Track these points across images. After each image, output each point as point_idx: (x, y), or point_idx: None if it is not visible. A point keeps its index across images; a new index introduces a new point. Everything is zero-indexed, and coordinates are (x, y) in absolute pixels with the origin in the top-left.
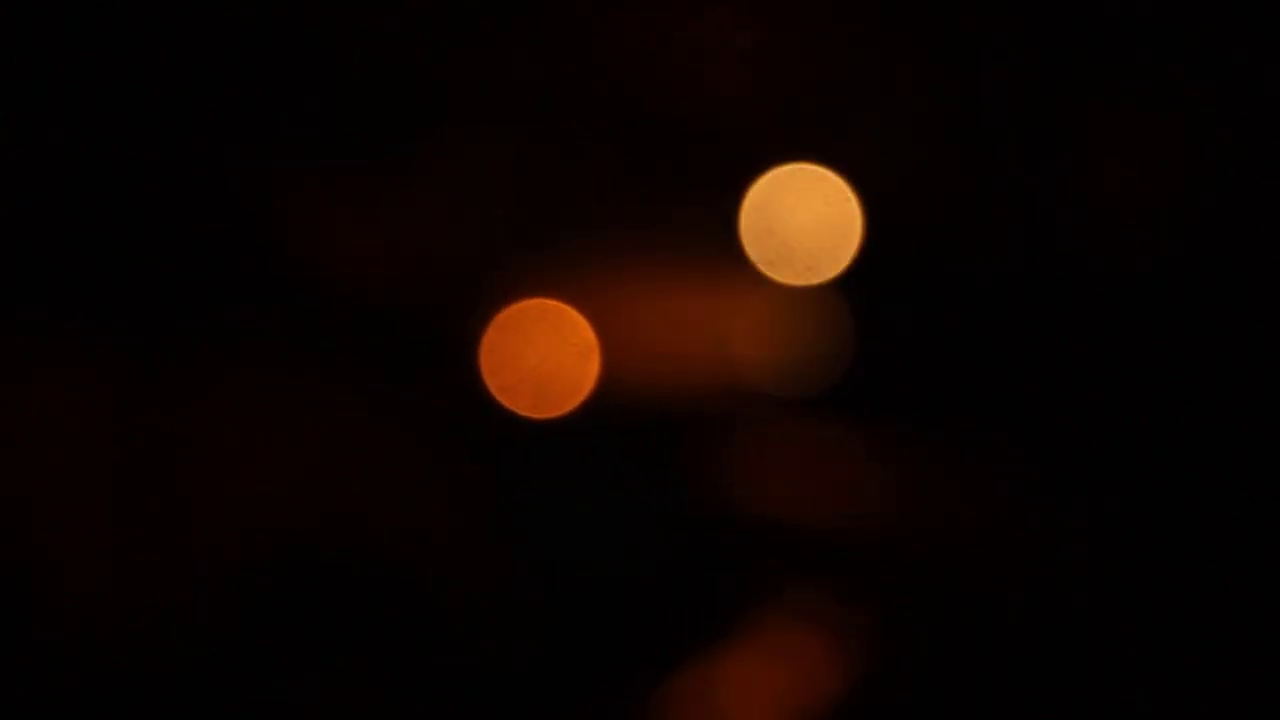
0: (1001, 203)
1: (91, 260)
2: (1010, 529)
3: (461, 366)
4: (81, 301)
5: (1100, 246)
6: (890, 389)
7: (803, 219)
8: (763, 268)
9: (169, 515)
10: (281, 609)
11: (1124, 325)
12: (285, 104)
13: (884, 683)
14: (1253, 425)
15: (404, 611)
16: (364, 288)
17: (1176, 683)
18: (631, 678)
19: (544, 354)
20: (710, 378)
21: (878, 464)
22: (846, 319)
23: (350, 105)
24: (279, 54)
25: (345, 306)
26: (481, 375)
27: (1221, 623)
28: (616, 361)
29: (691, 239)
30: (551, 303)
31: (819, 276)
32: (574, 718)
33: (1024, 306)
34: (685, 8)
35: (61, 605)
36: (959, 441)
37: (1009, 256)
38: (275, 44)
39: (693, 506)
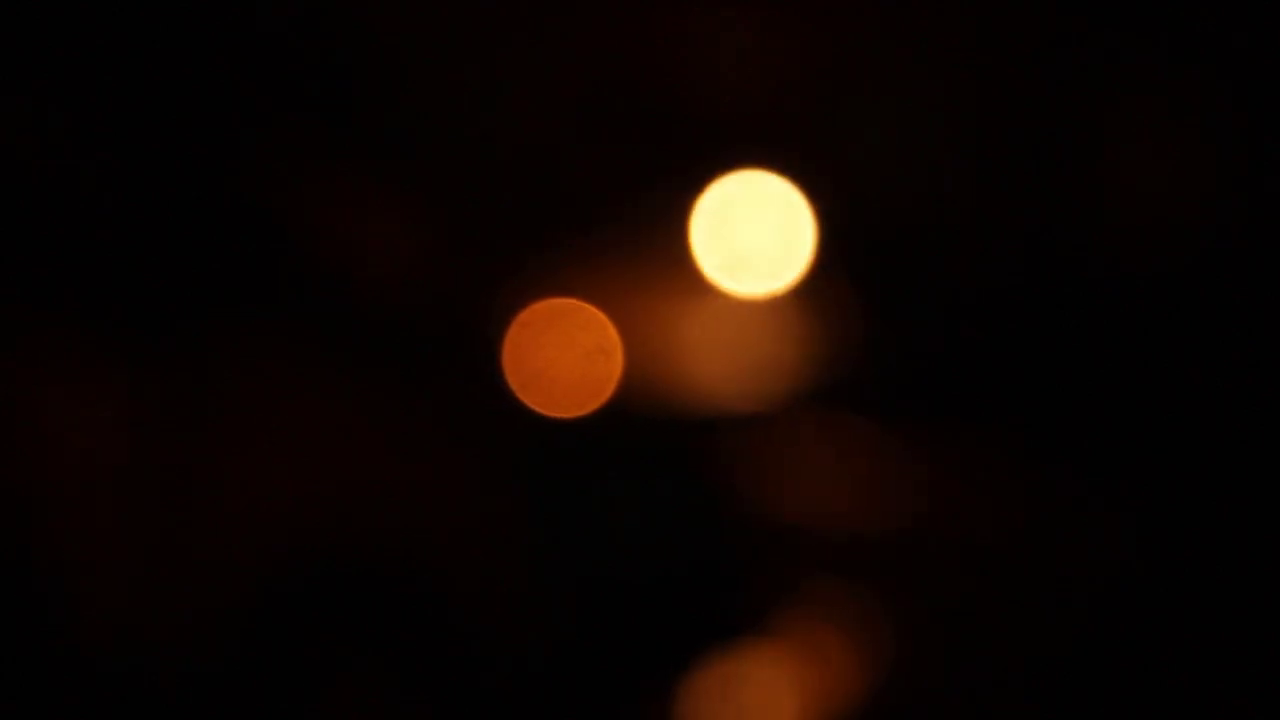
0: (1024, 204)
1: (109, 261)
2: (1038, 530)
3: (483, 365)
4: (100, 303)
5: (1121, 249)
6: (917, 389)
7: (756, 227)
8: (715, 277)
9: (185, 516)
10: (300, 610)
11: (1147, 327)
12: (304, 104)
13: (909, 682)
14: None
15: (425, 612)
16: (385, 287)
17: (1202, 684)
18: (654, 678)
19: (566, 353)
20: (734, 377)
21: (904, 464)
22: (870, 321)
23: (371, 105)
24: (297, 54)
25: (366, 306)
26: (503, 374)
27: (1244, 627)
28: (639, 361)
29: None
30: (574, 302)
31: (771, 285)
32: (598, 718)
33: (1049, 308)
34: (709, 10)
35: (76, 606)
36: (986, 441)
37: (1031, 258)
38: (295, 44)
39: (716, 506)
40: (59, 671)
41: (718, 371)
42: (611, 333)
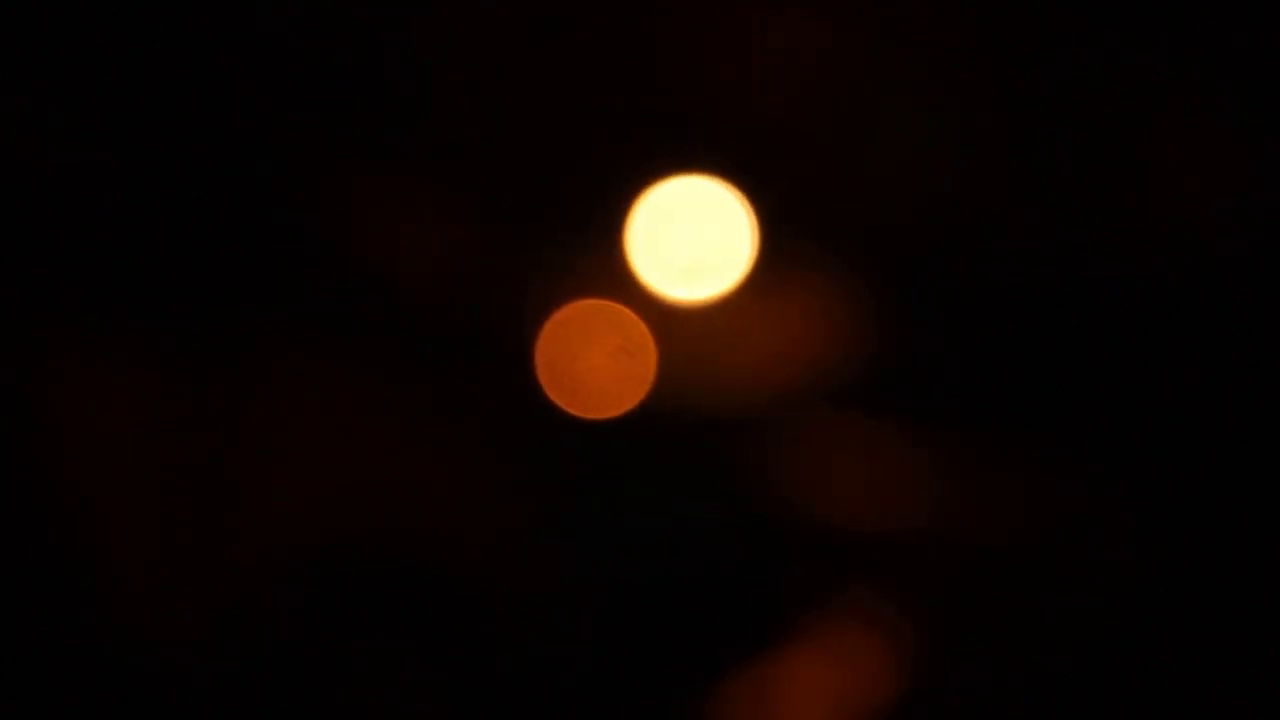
0: (1043, 205)
1: (140, 260)
2: (1066, 532)
3: (516, 367)
4: (130, 301)
5: (1142, 249)
6: (947, 392)
7: (693, 232)
8: (652, 283)
9: (215, 514)
10: (327, 609)
11: (1175, 329)
12: (338, 103)
13: (938, 684)
14: None
15: (454, 614)
16: (419, 287)
17: (1223, 685)
18: (685, 680)
19: (599, 355)
20: (766, 379)
21: (934, 466)
22: (895, 323)
23: (402, 102)
24: (329, 51)
25: (398, 305)
26: (536, 375)
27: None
28: (672, 362)
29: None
30: (607, 303)
31: (708, 290)
32: (634, 718)
33: (1077, 310)
34: (747, 12)
35: (103, 603)
36: (1016, 445)
37: (1058, 260)
38: (326, 42)
39: (748, 508)
40: (85, 668)
41: (750, 373)
42: (644, 333)
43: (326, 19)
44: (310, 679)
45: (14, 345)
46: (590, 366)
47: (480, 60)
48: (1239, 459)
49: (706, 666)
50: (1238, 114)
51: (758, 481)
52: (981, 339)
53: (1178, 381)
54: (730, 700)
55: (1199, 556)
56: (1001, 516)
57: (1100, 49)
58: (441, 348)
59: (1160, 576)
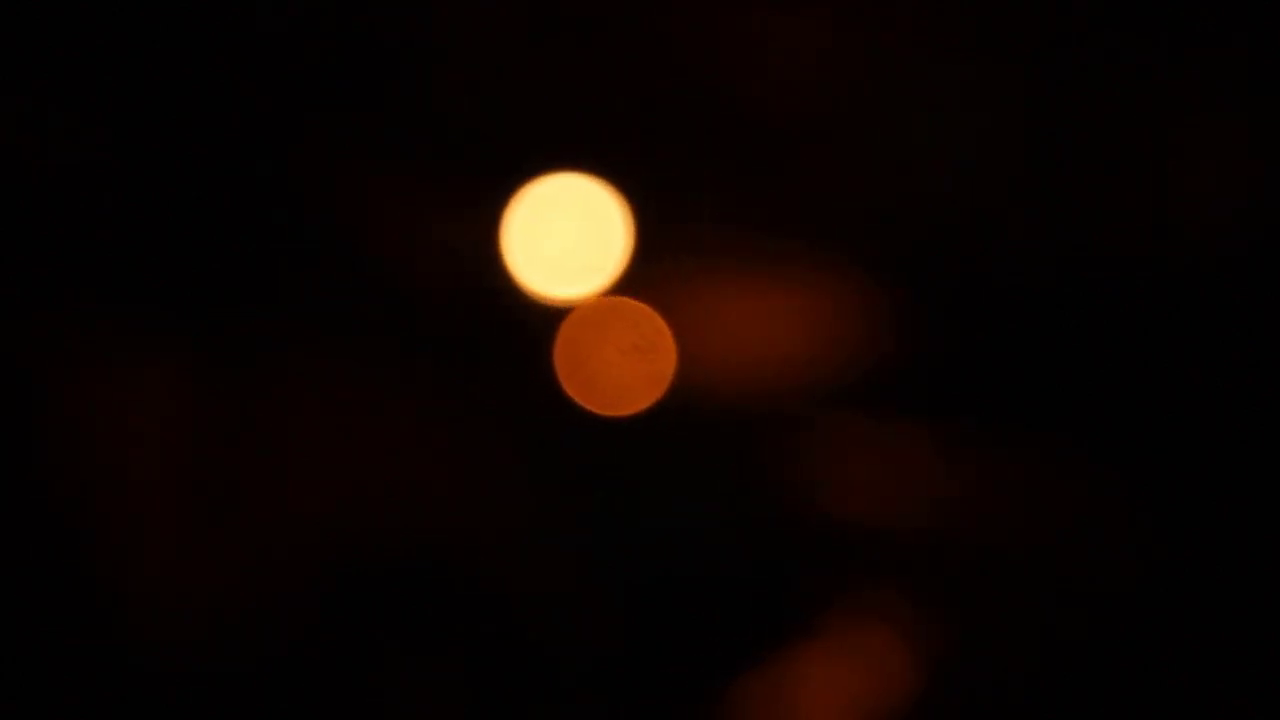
0: (1056, 203)
1: (162, 254)
2: (1079, 531)
3: (536, 364)
4: (152, 295)
5: (1156, 249)
6: (965, 390)
7: (566, 231)
8: (525, 281)
9: (238, 510)
10: (348, 608)
11: (1182, 328)
12: (363, 101)
13: (957, 684)
14: None
15: (473, 610)
16: (439, 285)
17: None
18: (704, 678)
19: (618, 352)
20: (785, 377)
21: (952, 465)
22: (917, 320)
23: (428, 102)
24: (344, 49)
25: (420, 304)
26: (556, 373)
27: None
28: (691, 360)
29: (768, 237)
30: (627, 300)
31: (583, 290)
32: (653, 716)
33: (1097, 309)
34: (769, 5)
35: (134, 600)
36: (1035, 443)
37: (1082, 259)
38: (342, 39)
39: (766, 506)
40: (99, 668)
41: (771, 370)
42: (664, 330)
43: (338, 17)
44: (325, 678)
45: (29, 345)
46: (608, 363)
47: (492, 55)
48: (1256, 458)
49: (720, 666)
50: (1245, 112)
51: (774, 480)
52: (993, 338)
53: (1187, 380)
54: (745, 700)
55: (1214, 552)
56: (1017, 515)
57: (1105, 47)
58: (458, 345)
59: (1172, 574)
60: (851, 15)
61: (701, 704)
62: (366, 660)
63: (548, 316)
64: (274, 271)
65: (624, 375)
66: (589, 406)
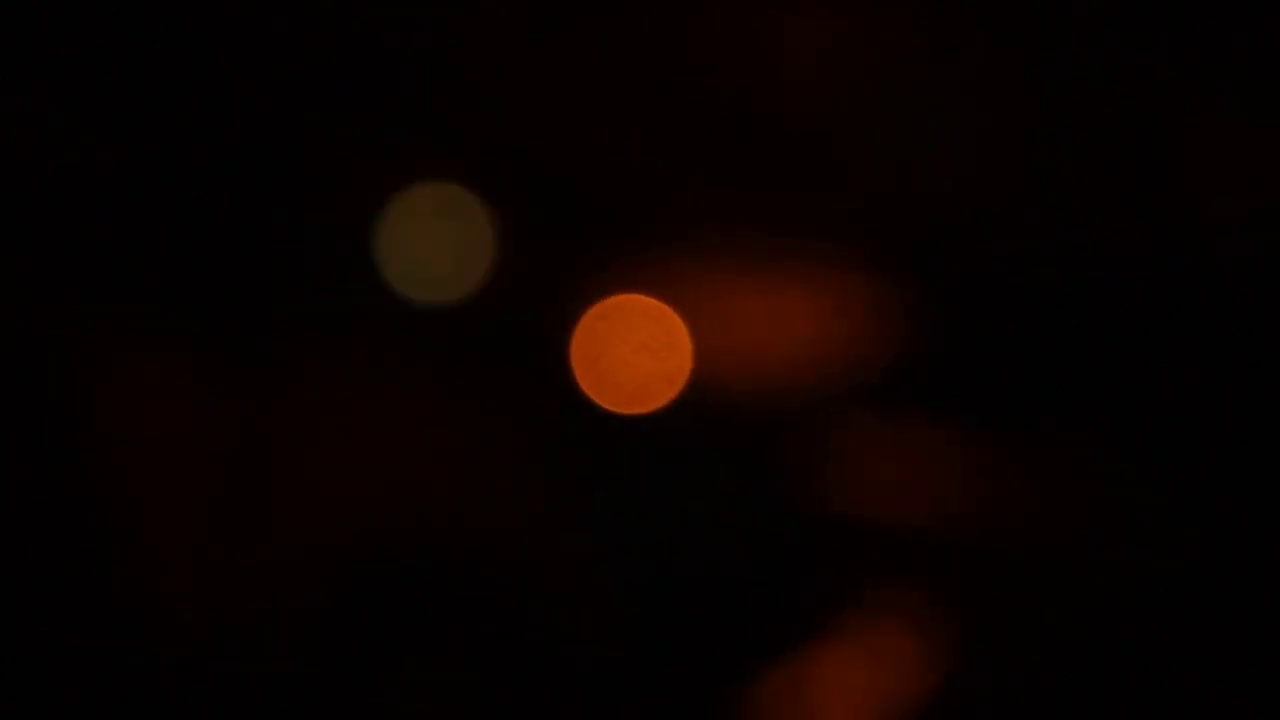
0: (1083, 201)
1: (187, 256)
2: (1102, 530)
3: (553, 362)
4: (178, 296)
5: (1174, 248)
6: (983, 388)
7: (436, 237)
8: (396, 285)
9: (263, 509)
10: (362, 604)
11: (1222, 326)
12: (384, 104)
13: (975, 682)
14: None
15: (493, 607)
16: (456, 284)
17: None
18: (723, 676)
19: (635, 349)
20: (802, 374)
21: (970, 463)
22: (931, 318)
23: (446, 105)
24: (372, 57)
25: (437, 303)
26: (573, 371)
27: None
28: (708, 357)
29: (783, 236)
30: (644, 298)
31: (450, 294)
32: (670, 714)
33: (1121, 308)
34: (779, 5)
35: (164, 599)
36: (1053, 441)
37: (1107, 259)
38: (369, 48)
39: (784, 503)
40: (153, 665)
41: (787, 367)
42: (680, 328)
43: (365, 17)
44: (340, 677)
45: (44, 348)
46: (623, 360)
47: (497, 54)
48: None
49: (747, 663)
50: (1250, 111)
51: (789, 478)
52: (1010, 336)
53: (1198, 377)
54: (764, 696)
55: (1240, 549)
56: (1033, 514)
57: (1110, 46)
58: (472, 342)
59: (1193, 572)
60: (862, 14)
61: (716, 703)
62: (381, 659)
63: (564, 314)
64: (288, 272)
65: (640, 372)
66: (605, 404)
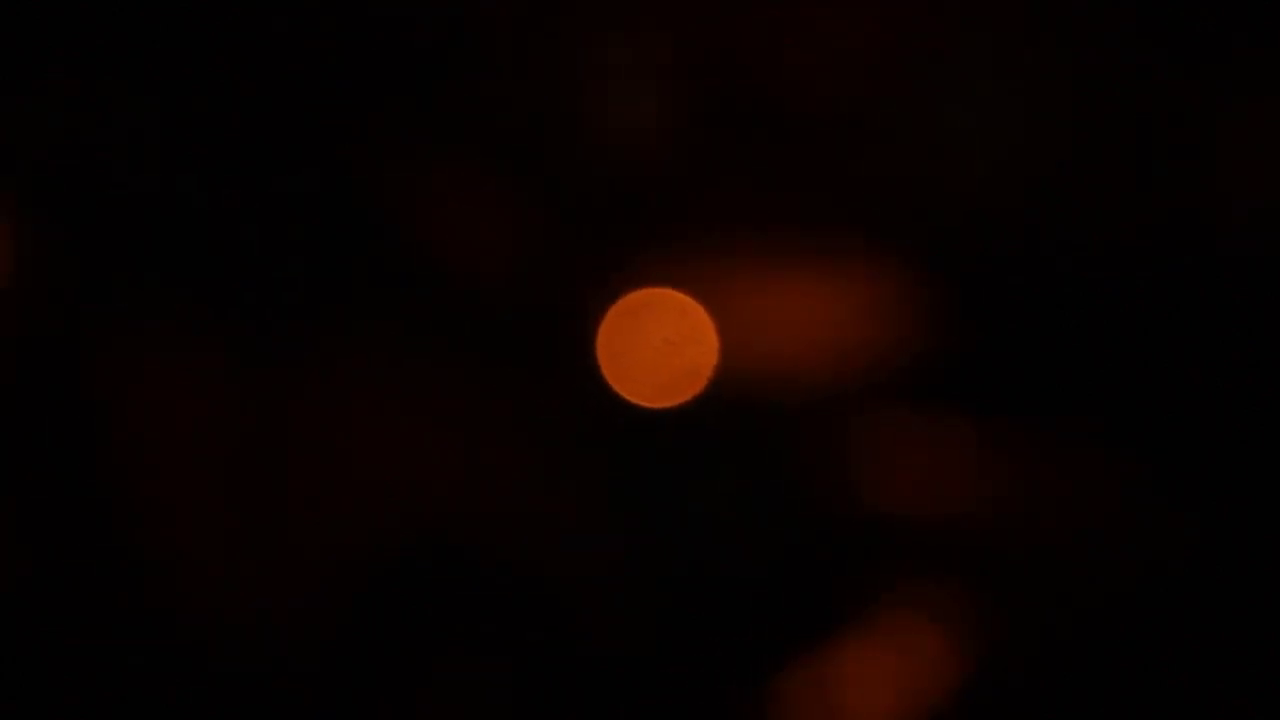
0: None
1: (206, 257)
2: (1127, 528)
3: (579, 355)
4: (198, 297)
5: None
6: (1011, 384)
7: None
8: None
9: (282, 506)
10: (392, 599)
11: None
12: (403, 100)
13: (1000, 679)
14: None
15: (516, 601)
16: (483, 278)
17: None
18: (748, 672)
19: (662, 343)
20: (828, 370)
21: (996, 460)
22: (962, 315)
23: (467, 101)
24: (388, 49)
25: (464, 297)
26: (599, 363)
27: None
28: (735, 352)
29: (811, 232)
30: (670, 292)
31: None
32: (691, 711)
33: (1135, 306)
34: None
35: (184, 598)
36: (1078, 439)
37: (1123, 256)
38: (387, 40)
39: (810, 499)
40: (173, 664)
41: (813, 363)
42: (706, 323)
43: (391, 10)
44: (377, 671)
45: (69, 346)
46: (649, 355)
47: (520, 53)
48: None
49: (772, 659)
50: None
51: (814, 473)
52: (1034, 332)
53: (1218, 376)
54: (789, 692)
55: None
56: (1054, 510)
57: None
58: (507, 337)
59: (1231, 579)
60: (887, 8)
61: (747, 696)
62: (398, 659)
63: (589, 309)
64: (303, 269)
65: (666, 367)
66: (631, 398)
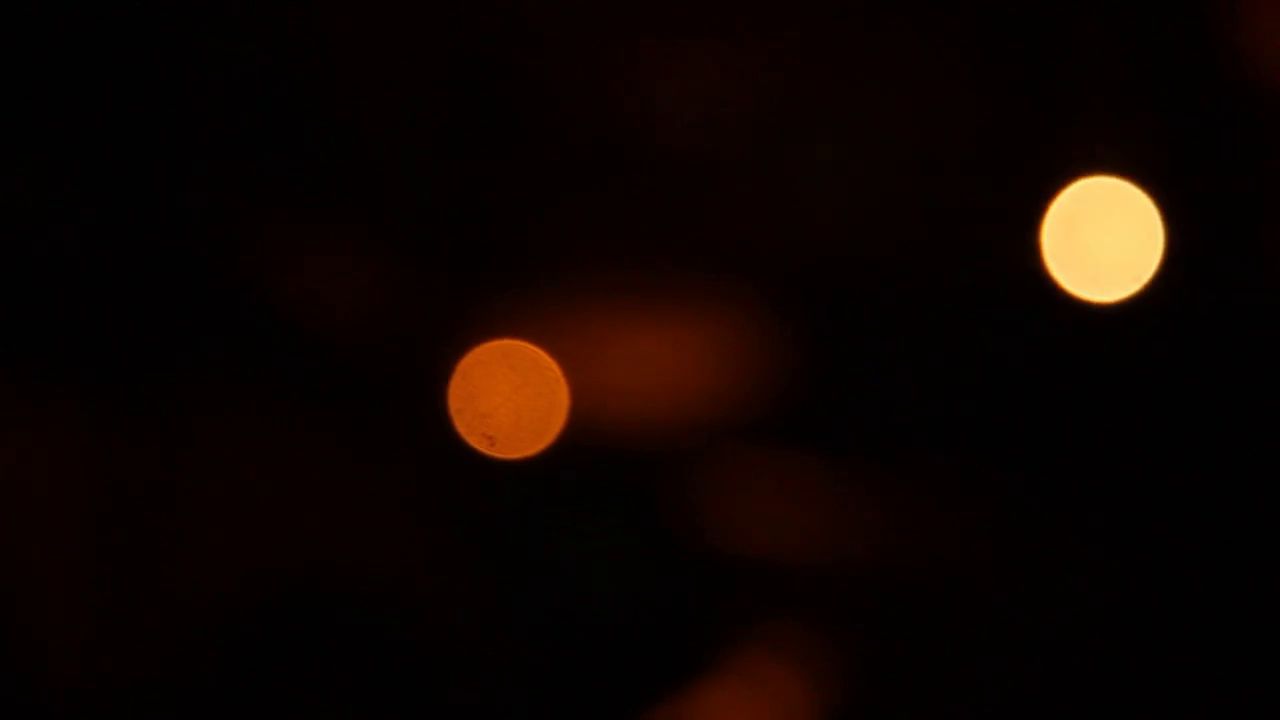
0: (978, 234)
1: (64, 302)
2: (996, 561)
3: (428, 408)
4: (56, 343)
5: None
6: (867, 422)
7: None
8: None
9: (145, 560)
10: (260, 654)
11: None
12: (256, 139)
13: (862, 716)
14: None
15: (381, 655)
16: (332, 329)
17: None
18: (612, 715)
19: (510, 394)
20: (681, 411)
21: (856, 496)
22: (811, 349)
23: (322, 140)
24: (252, 96)
25: (315, 349)
26: (449, 416)
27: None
28: (585, 399)
29: (659, 274)
30: (517, 342)
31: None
32: None
33: (998, 339)
34: (671, 35)
35: (43, 654)
36: (937, 475)
37: (989, 290)
38: (251, 87)
39: (668, 541)
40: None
41: (668, 404)
42: (556, 372)
43: (244, 61)
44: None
45: None
46: (500, 406)
47: (401, 95)
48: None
49: (634, 702)
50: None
51: (675, 515)
52: (890, 364)
53: (1074, 409)
54: None
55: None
56: (924, 544)
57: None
58: (359, 390)
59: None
60: (742, 49)
61: None
62: (284, 701)
63: (442, 361)
64: (183, 314)
65: (517, 417)
66: (483, 450)
